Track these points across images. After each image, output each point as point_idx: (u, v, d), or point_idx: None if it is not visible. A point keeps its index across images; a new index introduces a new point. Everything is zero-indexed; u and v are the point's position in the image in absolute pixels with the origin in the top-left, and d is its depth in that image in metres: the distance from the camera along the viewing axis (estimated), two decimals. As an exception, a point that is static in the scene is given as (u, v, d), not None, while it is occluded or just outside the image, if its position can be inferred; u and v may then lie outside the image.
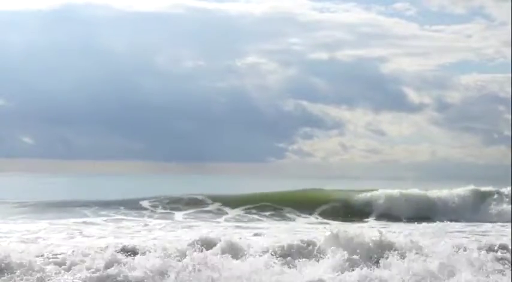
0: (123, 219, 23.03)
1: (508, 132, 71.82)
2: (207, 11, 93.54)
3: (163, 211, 25.16)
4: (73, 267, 10.93)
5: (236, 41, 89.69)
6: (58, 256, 11.67)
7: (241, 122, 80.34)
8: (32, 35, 76.86)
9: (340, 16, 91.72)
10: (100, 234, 17.56)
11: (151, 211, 25.03)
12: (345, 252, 11.80)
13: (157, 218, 23.78)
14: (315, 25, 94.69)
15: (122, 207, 25.12)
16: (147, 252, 11.58)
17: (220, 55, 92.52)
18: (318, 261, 11.71)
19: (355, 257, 11.79)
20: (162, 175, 78.13)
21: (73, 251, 12.04)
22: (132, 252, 11.93)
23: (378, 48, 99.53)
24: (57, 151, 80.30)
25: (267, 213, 25.35)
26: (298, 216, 25.22)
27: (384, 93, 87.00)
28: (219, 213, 25.24)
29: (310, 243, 12.64)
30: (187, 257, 11.20)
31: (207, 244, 12.25)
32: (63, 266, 11.07)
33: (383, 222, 23.74)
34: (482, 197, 27.24)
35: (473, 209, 26.18)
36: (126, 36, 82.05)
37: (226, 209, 25.67)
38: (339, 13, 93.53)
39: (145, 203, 25.76)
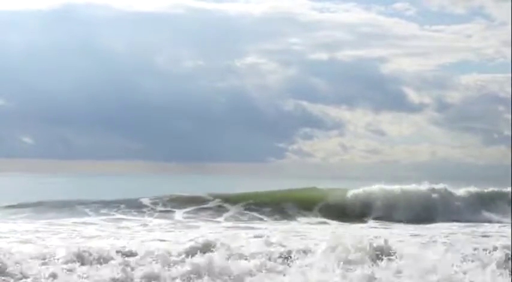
0: (123, 218, 22.97)
1: (508, 132, 71.91)
2: (206, 11, 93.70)
3: (163, 209, 25.07)
4: (72, 270, 10.86)
5: (236, 41, 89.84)
6: (57, 258, 11.58)
7: (241, 122, 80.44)
8: (32, 35, 76.96)
9: (340, 16, 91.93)
10: (100, 235, 17.48)
11: (152, 209, 24.93)
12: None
13: (157, 217, 23.73)
14: (315, 25, 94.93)
15: (123, 205, 25.03)
16: (147, 258, 11.43)
17: (220, 55, 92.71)
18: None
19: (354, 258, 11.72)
20: (162, 175, 78.15)
21: (72, 254, 11.99)
22: (131, 255, 11.80)
23: (377, 48, 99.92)
24: (57, 151, 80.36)
25: (267, 210, 25.28)
26: (298, 213, 25.13)
27: (384, 94, 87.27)
28: (220, 210, 25.18)
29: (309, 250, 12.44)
30: (186, 263, 11.09)
31: (206, 249, 12.15)
32: (61, 268, 10.99)
33: (383, 222, 23.61)
34: (483, 198, 27.18)
35: (473, 210, 26.10)
36: (126, 36, 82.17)
37: (226, 205, 25.58)
38: (338, 13, 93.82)
39: (145, 201, 25.65)
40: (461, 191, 27.40)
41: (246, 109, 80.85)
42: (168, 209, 25.10)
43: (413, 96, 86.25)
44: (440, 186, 27.49)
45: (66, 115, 74.16)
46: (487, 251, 12.47)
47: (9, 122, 75.76)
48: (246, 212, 25.11)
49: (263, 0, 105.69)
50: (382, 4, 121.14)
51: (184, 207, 25.18)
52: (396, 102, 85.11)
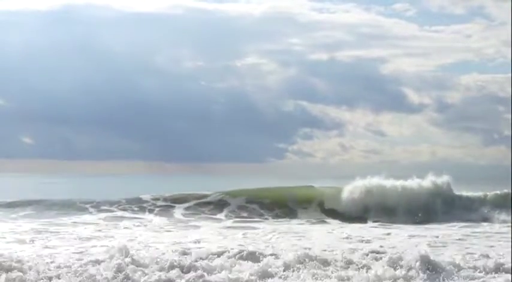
0: (123, 216, 23.02)
1: (508, 132, 71.79)
2: (206, 12, 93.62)
3: (163, 203, 25.12)
4: (70, 271, 10.75)
5: (236, 42, 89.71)
6: (54, 259, 11.48)
7: (241, 122, 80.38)
8: (32, 35, 76.87)
9: (340, 17, 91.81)
10: (99, 236, 17.41)
11: (152, 204, 24.98)
12: None
13: (157, 213, 23.84)
14: (315, 25, 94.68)
15: (123, 201, 25.07)
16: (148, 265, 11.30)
17: (219, 55, 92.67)
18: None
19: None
20: (162, 175, 78.18)
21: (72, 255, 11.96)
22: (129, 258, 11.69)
23: (377, 49, 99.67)
24: (57, 151, 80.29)
25: (267, 202, 25.30)
26: (297, 211, 25.12)
27: (384, 94, 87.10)
28: (220, 204, 25.24)
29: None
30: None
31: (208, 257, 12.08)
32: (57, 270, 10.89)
33: (382, 222, 23.37)
34: (483, 198, 27.06)
35: (474, 209, 26.01)
36: (126, 36, 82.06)
37: (227, 198, 25.64)
38: (338, 13, 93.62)
39: (146, 197, 25.70)
40: (462, 191, 27.25)
41: (246, 109, 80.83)
42: (169, 203, 25.14)
43: (413, 96, 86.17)
44: (443, 179, 27.14)
45: (66, 115, 74.05)
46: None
47: (9, 122, 75.74)
48: (247, 204, 25.19)
49: (263, 0, 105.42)
50: (381, 4, 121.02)
51: (185, 202, 25.22)
52: (396, 103, 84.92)
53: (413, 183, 27.18)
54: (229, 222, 22.65)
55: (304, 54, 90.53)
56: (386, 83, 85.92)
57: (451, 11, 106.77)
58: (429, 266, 11.28)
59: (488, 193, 27.30)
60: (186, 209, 24.76)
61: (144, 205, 24.82)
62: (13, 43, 74.84)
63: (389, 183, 26.87)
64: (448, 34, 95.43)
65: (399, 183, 26.94)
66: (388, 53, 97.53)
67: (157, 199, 25.52)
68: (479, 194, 27.32)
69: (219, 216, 24.04)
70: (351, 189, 26.39)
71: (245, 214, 24.38)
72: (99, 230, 18.93)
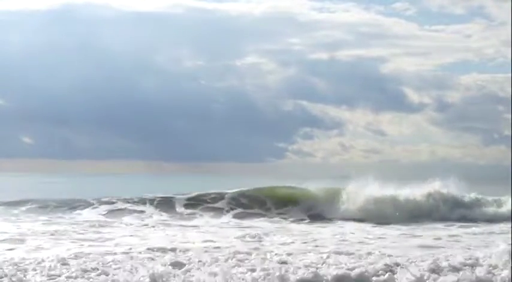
0: (124, 209, 23.24)
1: (508, 132, 71.76)
2: (206, 11, 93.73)
3: (164, 196, 25.46)
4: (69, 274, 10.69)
5: (236, 41, 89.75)
6: (47, 261, 11.41)
7: (241, 122, 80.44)
8: (31, 34, 76.93)
9: (340, 16, 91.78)
10: (97, 237, 17.33)
11: (153, 196, 25.32)
12: None
13: (157, 204, 24.36)
14: (315, 25, 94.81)
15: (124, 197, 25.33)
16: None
17: (219, 55, 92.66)
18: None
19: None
20: (161, 175, 78.20)
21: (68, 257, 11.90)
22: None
23: (377, 48, 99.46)
24: (56, 150, 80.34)
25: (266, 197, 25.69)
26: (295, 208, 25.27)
27: (384, 93, 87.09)
28: (221, 194, 25.74)
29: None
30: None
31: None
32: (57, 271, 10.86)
33: (380, 223, 23.23)
34: (482, 198, 27.02)
35: (472, 210, 25.97)
36: (125, 35, 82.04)
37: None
38: (338, 13, 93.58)
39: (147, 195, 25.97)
40: (461, 191, 27.06)
41: (246, 109, 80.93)
42: (169, 195, 25.58)
43: (413, 96, 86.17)
44: (450, 188, 26.79)
45: (65, 115, 74.12)
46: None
47: (9, 122, 75.78)
48: (247, 194, 25.84)
49: (263, 0, 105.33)
50: (381, 4, 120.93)
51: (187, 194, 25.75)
52: (396, 102, 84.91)
53: (416, 191, 26.70)
54: (230, 218, 22.87)
55: (304, 53, 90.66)
56: (386, 82, 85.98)
57: (451, 10, 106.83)
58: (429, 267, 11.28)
59: (488, 194, 27.21)
60: (188, 199, 25.13)
61: (145, 197, 25.21)
62: (13, 43, 74.95)
63: (389, 192, 26.44)
64: (448, 34, 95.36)
65: (400, 192, 26.48)
66: (388, 53, 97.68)
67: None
68: (479, 194, 27.24)
69: (219, 203, 24.75)
70: (346, 198, 25.94)
71: (246, 201, 25.16)
72: (98, 231, 18.85)
